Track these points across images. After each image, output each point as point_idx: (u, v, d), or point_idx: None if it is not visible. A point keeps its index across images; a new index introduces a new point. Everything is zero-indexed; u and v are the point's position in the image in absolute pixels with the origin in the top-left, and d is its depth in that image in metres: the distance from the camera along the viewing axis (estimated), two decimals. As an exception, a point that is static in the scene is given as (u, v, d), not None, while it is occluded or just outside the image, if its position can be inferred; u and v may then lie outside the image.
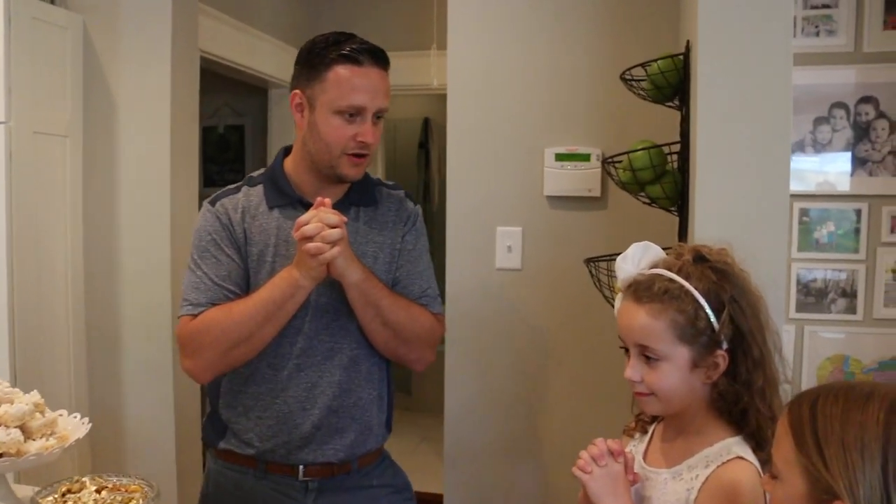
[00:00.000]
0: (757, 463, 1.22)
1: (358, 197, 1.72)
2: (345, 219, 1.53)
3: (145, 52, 2.77)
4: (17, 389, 1.46)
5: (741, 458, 1.22)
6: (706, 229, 1.63)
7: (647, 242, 1.34)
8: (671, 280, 1.25)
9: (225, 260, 1.63)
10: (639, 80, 1.96)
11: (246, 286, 1.63)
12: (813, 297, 3.03)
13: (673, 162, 1.95)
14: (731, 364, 1.24)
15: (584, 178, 2.38)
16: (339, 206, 1.64)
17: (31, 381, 2.60)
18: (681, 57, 1.88)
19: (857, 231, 2.99)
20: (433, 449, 4.80)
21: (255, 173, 1.74)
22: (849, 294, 2.99)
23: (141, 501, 1.32)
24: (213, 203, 1.68)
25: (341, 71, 1.58)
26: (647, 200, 1.97)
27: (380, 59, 1.63)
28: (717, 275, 1.25)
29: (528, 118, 2.43)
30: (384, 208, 1.75)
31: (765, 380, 1.24)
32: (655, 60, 1.90)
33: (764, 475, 1.15)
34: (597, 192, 2.38)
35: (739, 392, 1.24)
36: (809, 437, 0.90)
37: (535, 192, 2.44)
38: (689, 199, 1.81)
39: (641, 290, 1.27)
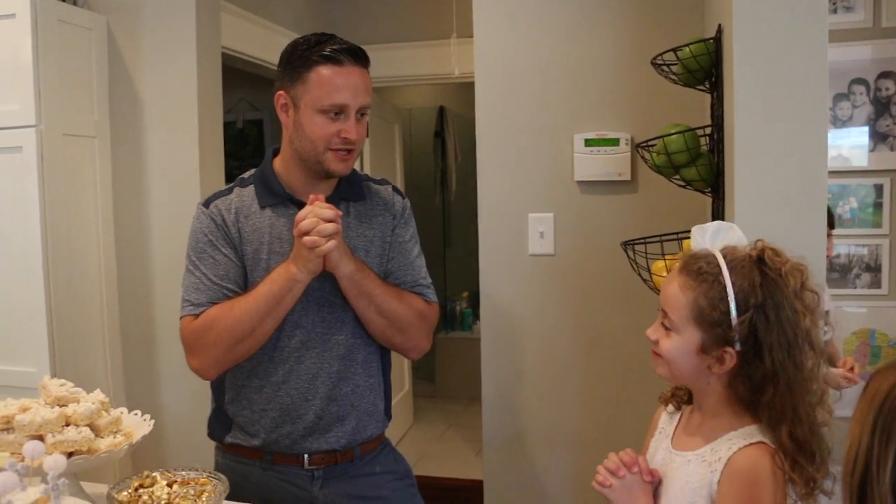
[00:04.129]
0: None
1: (347, 192, 1.76)
2: (339, 212, 1.58)
3: (169, 50, 2.78)
4: (80, 389, 1.49)
5: (763, 443, 1.24)
6: (744, 210, 1.65)
7: (733, 225, 1.34)
8: (715, 264, 1.27)
9: (222, 259, 1.67)
10: (670, 65, 1.98)
11: (244, 284, 1.67)
12: (837, 272, 3.05)
13: (705, 144, 1.96)
14: (744, 366, 1.25)
15: (614, 163, 2.39)
16: (328, 201, 1.67)
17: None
18: (712, 41, 1.90)
19: (880, 206, 3.01)
20: (461, 435, 4.85)
21: (246, 174, 1.78)
22: (873, 269, 3.01)
23: (213, 494, 1.35)
24: (206, 205, 1.72)
25: (323, 71, 1.61)
26: (681, 183, 1.99)
27: (360, 57, 1.66)
28: (763, 279, 1.25)
29: (556, 104, 2.45)
30: (372, 202, 1.80)
31: (775, 394, 1.23)
32: (687, 45, 1.91)
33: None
34: (627, 176, 2.40)
35: (748, 395, 1.26)
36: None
37: (565, 178, 2.46)
38: (724, 180, 1.83)
39: (688, 262, 1.30)
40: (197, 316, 1.63)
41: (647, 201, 2.39)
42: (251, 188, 1.73)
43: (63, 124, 2.61)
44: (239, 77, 3.81)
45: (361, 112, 1.66)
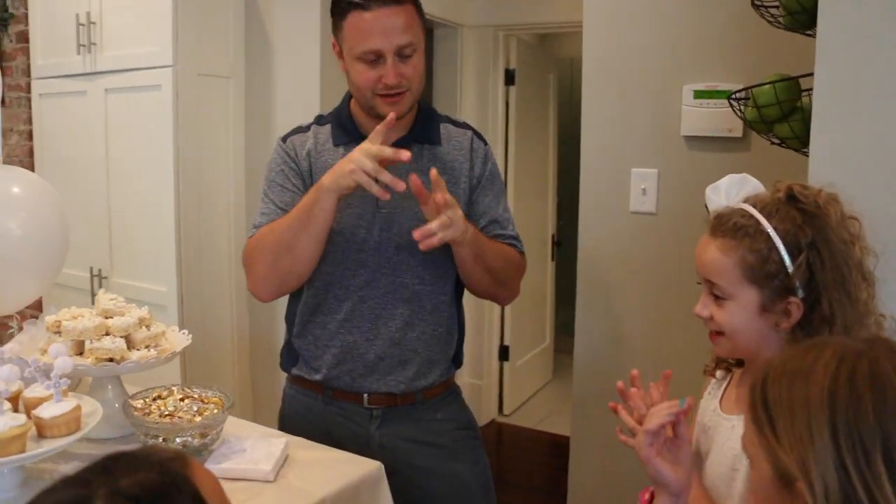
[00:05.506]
0: None
1: (422, 134, 1.72)
2: (408, 154, 1.53)
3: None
4: (132, 305, 1.62)
5: None
6: (822, 168, 1.47)
7: (745, 175, 1.25)
8: (749, 216, 1.17)
9: (290, 188, 1.69)
10: (769, 7, 1.78)
11: None
12: None
13: (808, 96, 1.76)
14: (806, 314, 1.14)
15: (724, 118, 2.20)
16: (401, 142, 1.65)
17: (195, 300, 2.87)
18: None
19: None
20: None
21: (326, 113, 1.79)
22: None
23: (215, 410, 1.43)
24: (283, 140, 1.76)
25: (353, 19, 1.58)
26: (776, 141, 1.80)
27: None
28: (804, 217, 1.15)
29: (664, 53, 2.28)
30: (450, 146, 1.74)
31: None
32: (786, -18, 1.71)
33: None
34: (738, 133, 2.20)
35: None
36: (763, 417, 0.80)
37: (671, 132, 2.30)
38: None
39: (718, 223, 1.20)
40: (252, 237, 1.69)
41: (760, 161, 2.18)
42: (328, 126, 1.75)
43: (198, 65, 2.80)
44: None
45: (405, 53, 1.60)
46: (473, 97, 4.08)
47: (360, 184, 1.51)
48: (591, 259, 2.48)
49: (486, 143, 1.81)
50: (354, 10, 1.57)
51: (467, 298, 1.84)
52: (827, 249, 1.13)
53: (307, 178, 1.70)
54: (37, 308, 2.79)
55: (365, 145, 1.53)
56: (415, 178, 1.53)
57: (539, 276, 4.70)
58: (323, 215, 1.57)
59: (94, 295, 2.82)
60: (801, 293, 1.13)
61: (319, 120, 1.77)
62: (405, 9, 1.60)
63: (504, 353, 4.35)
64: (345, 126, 1.72)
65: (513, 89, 4.18)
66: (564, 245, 4.75)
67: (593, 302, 2.49)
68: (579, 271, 2.53)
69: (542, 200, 4.68)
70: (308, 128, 1.76)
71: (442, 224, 1.49)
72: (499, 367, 4.36)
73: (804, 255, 1.12)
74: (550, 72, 4.70)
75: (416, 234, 1.51)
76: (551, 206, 4.79)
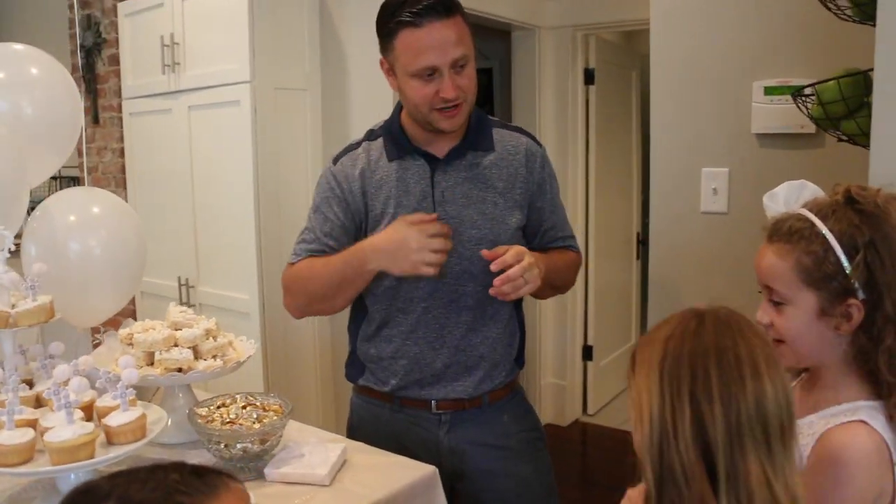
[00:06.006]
0: (886, 433, 1.09)
1: (475, 141, 1.72)
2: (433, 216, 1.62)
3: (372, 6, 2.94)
4: (201, 316, 1.70)
5: (864, 422, 1.09)
6: (882, 164, 1.42)
7: (803, 181, 1.23)
8: (804, 219, 1.15)
9: (332, 217, 1.73)
10: (833, -1, 1.71)
11: (349, 242, 1.70)
12: None
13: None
14: (866, 315, 1.11)
15: (796, 114, 2.11)
16: (455, 150, 1.68)
17: (278, 309, 2.96)
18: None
19: None
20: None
21: (376, 126, 1.81)
22: None
23: (274, 417, 1.49)
24: (334, 161, 1.78)
25: (405, 37, 1.57)
26: (844, 138, 1.74)
27: (440, 10, 1.57)
28: (861, 217, 1.12)
29: (733, 49, 2.23)
30: (505, 151, 1.74)
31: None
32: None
33: None
34: (811, 129, 2.13)
35: (869, 346, 1.12)
36: (630, 367, 1.03)
37: (742, 130, 2.25)
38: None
39: (775, 229, 1.19)
40: (294, 264, 1.75)
41: (834, 158, 2.10)
42: (379, 141, 1.76)
43: (275, 79, 2.91)
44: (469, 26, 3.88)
45: (460, 64, 1.60)
46: (552, 98, 4.06)
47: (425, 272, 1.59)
48: (662, 259, 2.45)
49: (541, 146, 1.81)
50: (405, 27, 1.57)
51: (550, 301, 1.89)
52: (886, 248, 1.10)
53: (358, 198, 1.72)
54: (131, 316, 2.96)
55: (414, 236, 1.57)
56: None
57: (624, 274, 4.63)
58: (363, 283, 1.67)
59: (182, 303, 2.96)
60: (861, 294, 1.10)
61: (370, 135, 1.79)
62: (455, 21, 1.59)
63: (587, 352, 4.31)
64: (397, 140, 1.73)
65: (592, 88, 4.14)
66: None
67: (665, 302, 2.45)
68: (651, 272, 2.50)
69: (626, 199, 4.62)
70: (359, 144, 1.78)
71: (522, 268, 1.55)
72: (582, 366, 4.33)
73: (862, 254, 1.10)
74: (633, 68, 4.63)
75: (487, 256, 1.59)
76: (636, 204, 4.72)
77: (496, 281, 1.55)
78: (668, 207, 2.40)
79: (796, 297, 1.14)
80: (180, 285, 3.20)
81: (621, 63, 4.48)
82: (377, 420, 1.79)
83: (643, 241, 4.74)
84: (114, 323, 2.67)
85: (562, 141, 4.07)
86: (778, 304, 1.17)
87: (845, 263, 1.10)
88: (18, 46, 2.00)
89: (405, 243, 1.56)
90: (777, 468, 0.91)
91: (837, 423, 1.10)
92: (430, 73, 1.59)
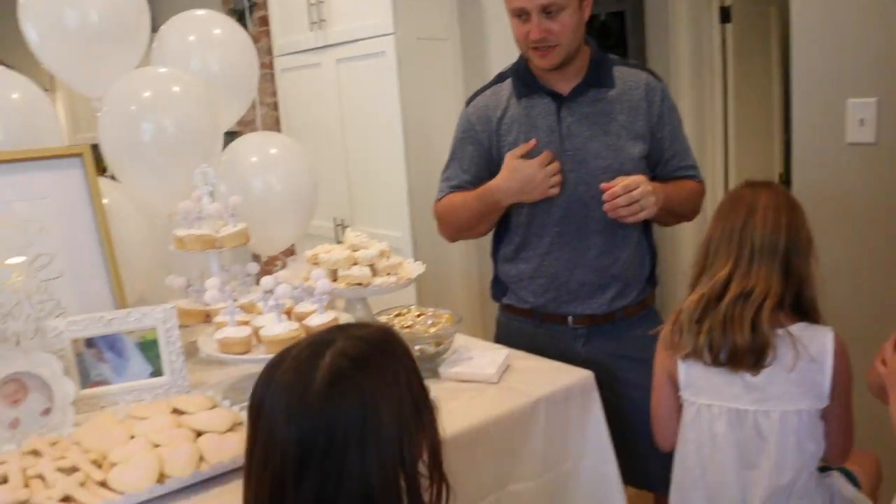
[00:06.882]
0: None
1: (596, 79, 1.84)
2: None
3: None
4: (374, 240, 1.89)
5: None
6: None
7: None
8: None
9: (468, 155, 1.93)
10: None
11: (485, 176, 1.90)
12: None
13: None
14: None
15: (950, 36, 2.10)
16: (577, 89, 1.81)
17: (426, 243, 3.16)
18: None
19: None
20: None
21: (505, 69, 1.96)
22: None
23: (446, 324, 1.67)
24: (467, 104, 1.97)
25: None
26: None
27: None
28: None
29: (882, -28, 2.19)
30: (626, 87, 1.85)
31: None
32: None
33: None
34: (969, 53, 2.09)
35: None
36: None
37: (892, 58, 2.21)
38: None
39: None
40: (440, 200, 1.98)
41: None
42: (508, 81, 1.93)
43: (417, 29, 3.06)
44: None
45: (550, 10, 1.72)
46: (687, 39, 4.01)
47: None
48: (804, 192, 2.43)
49: (660, 81, 1.91)
50: None
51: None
52: None
53: (492, 136, 1.89)
54: (290, 254, 3.22)
55: (536, 169, 1.79)
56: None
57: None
58: (497, 215, 1.88)
59: (338, 242, 3.18)
60: None
61: (500, 77, 1.96)
62: None
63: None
64: (524, 79, 1.88)
65: (729, 27, 4.07)
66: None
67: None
68: (794, 206, 2.49)
69: (767, 139, 4.53)
70: (489, 87, 1.96)
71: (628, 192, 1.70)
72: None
73: None
74: (772, 3, 4.51)
75: (603, 188, 1.73)
76: (777, 145, 4.63)
77: (606, 205, 1.71)
78: (812, 140, 2.39)
79: None
80: (336, 225, 3.44)
81: None
82: (521, 334, 1.95)
83: (786, 182, 4.65)
84: (285, 254, 2.94)
85: (698, 84, 4.03)
86: None
87: None
88: (200, 12, 2.24)
89: (532, 178, 1.77)
90: None
91: None
92: (521, 15, 1.75)
